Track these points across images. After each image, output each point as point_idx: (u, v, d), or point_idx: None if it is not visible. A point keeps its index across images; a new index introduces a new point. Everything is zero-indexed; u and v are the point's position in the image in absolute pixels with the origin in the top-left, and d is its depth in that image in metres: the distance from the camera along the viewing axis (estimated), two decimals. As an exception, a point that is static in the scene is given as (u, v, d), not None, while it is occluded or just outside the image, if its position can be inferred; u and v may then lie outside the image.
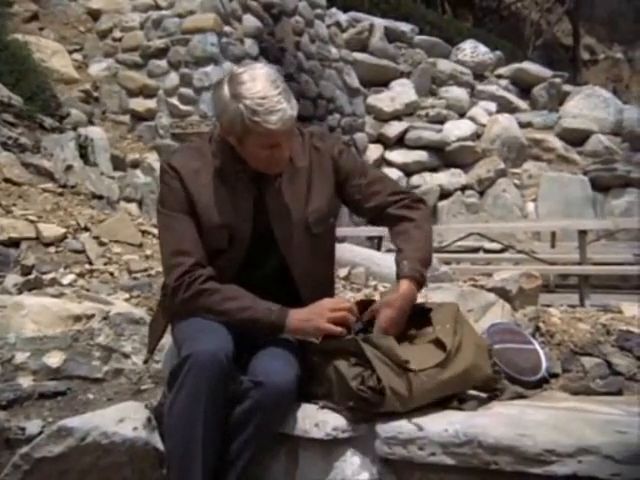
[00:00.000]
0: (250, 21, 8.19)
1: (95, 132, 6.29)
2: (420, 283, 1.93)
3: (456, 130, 10.86)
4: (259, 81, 1.83)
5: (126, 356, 2.40)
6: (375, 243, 7.09)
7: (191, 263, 1.88)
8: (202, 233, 1.93)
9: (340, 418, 1.79)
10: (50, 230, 3.73)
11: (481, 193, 10.79)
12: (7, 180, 4.28)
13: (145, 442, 1.92)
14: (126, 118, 7.55)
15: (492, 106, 11.62)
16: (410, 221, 2.00)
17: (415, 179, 10.54)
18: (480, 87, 12.09)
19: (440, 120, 10.99)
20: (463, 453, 1.67)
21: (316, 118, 9.01)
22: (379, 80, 11.14)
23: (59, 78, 6.91)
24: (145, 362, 2.25)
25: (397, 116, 10.87)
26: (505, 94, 12.05)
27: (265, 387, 1.75)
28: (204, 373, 1.72)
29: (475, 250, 8.34)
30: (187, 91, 7.39)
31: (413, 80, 11.49)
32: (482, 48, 12.75)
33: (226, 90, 1.86)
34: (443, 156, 10.73)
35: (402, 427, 1.73)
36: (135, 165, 6.98)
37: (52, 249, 3.61)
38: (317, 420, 1.81)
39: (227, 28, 7.71)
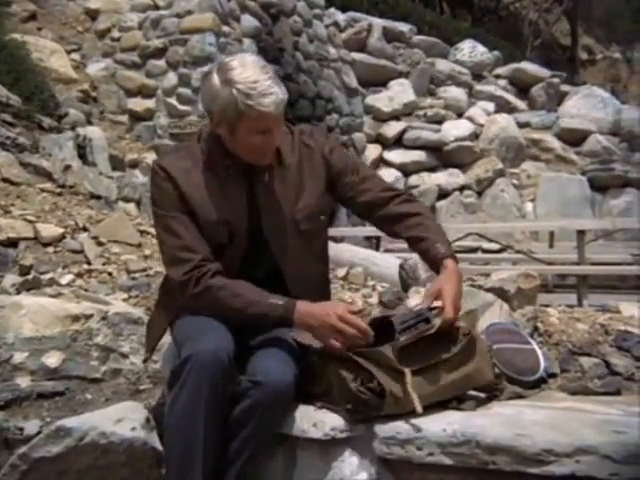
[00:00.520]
0: (248, 21, 8.19)
1: (93, 132, 6.29)
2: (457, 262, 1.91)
3: (454, 130, 10.86)
4: (249, 67, 1.86)
5: (124, 356, 2.40)
6: (373, 243, 7.09)
7: (200, 258, 1.89)
8: (201, 231, 1.93)
9: (338, 418, 1.79)
10: (48, 230, 3.73)
11: (479, 193, 10.79)
12: (5, 180, 4.28)
13: (143, 442, 1.91)
14: (124, 118, 7.54)
15: (490, 106, 11.62)
16: (418, 215, 2.00)
17: (413, 179, 10.54)
18: (478, 87, 12.09)
19: (438, 120, 11.00)
20: (461, 453, 1.67)
21: (314, 118, 9.02)
22: (377, 80, 11.14)
23: (57, 78, 6.90)
24: (145, 361, 2.24)
25: (395, 116, 10.87)
26: (503, 94, 12.06)
27: (264, 387, 1.75)
28: (206, 373, 1.72)
29: (473, 250, 8.35)
30: (185, 91, 7.38)
31: (411, 80, 11.50)
32: (480, 48, 12.75)
33: (216, 79, 1.87)
34: (441, 156, 10.73)
35: (400, 427, 1.73)
36: (134, 165, 6.97)
37: (50, 249, 3.62)
38: (315, 420, 1.81)
39: (225, 28, 7.71)
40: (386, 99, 10.93)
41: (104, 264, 3.58)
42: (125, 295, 3.14)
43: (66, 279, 3.32)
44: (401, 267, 3.05)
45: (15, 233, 3.63)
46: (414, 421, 1.72)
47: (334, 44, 10.12)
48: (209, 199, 1.94)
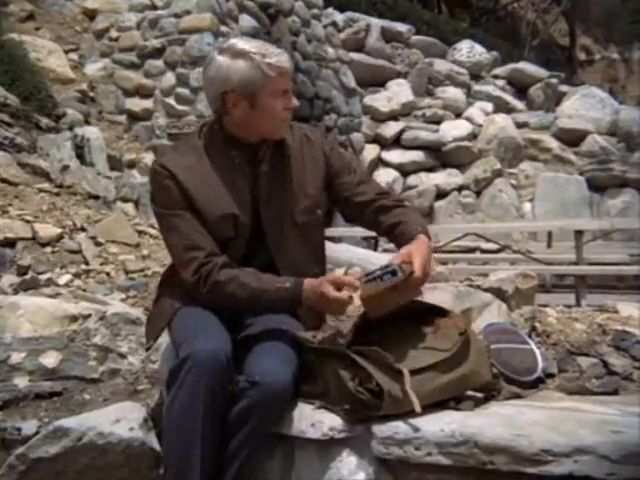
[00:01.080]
0: (246, 21, 8.18)
1: (91, 132, 6.28)
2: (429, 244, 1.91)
3: (453, 130, 10.87)
4: (249, 39, 1.98)
5: (122, 356, 2.40)
6: (372, 243, 7.09)
7: (204, 255, 1.89)
8: (207, 226, 1.93)
9: (336, 418, 1.79)
10: (46, 230, 3.73)
11: (477, 193, 10.80)
12: (3, 180, 4.28)
13: (141, 442, 1.91)
14: (122, 118, 7.54)
15: (488, 106, 11.63)
16: (403, 207, 2.03)
17: (412, 179, 10.55)
18: (476, 87, 12.11)
19: (437, 120, 11.01)
20: (459, 453, 1.67)
21: (313, 118, 9.01)
22: (376, 80, 11.15)
23: (55, 78, 6.90)
24: (147, 349, 2.20)
25: (394, 116, 10.89)
26: (501, 94, 12.07)
27: (261, 387, 1.75)
28: (204, 372, 1.72)
29: (472, 250, 8.36)
30: (184, 91, 7.38)
31: (410, 80, 11.51)
32: (479, 48, 12.77)
33: (223, 59, 1.92)
34: (440, 156, 10.74)
35: (398, 427, 1.73)
36: (132, 165, 6.97)
37: (48, 249, 3.61)
38: (313, 420, 1.80)
39: (223, 28, 7.70)
40: (384, 99, 10.94)
41: (102, 264, 3.57)
42: (123, 295, 3.14)
43: (64, 279, 3.32)
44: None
45: (13, 233, 3.62)
46: (412, 421, 1.72)
47: (332, 44, 10.12)
48: (213, 193, 1.94)
